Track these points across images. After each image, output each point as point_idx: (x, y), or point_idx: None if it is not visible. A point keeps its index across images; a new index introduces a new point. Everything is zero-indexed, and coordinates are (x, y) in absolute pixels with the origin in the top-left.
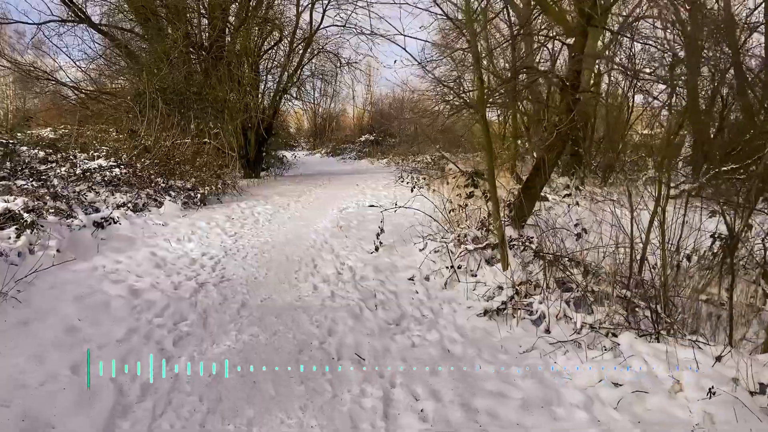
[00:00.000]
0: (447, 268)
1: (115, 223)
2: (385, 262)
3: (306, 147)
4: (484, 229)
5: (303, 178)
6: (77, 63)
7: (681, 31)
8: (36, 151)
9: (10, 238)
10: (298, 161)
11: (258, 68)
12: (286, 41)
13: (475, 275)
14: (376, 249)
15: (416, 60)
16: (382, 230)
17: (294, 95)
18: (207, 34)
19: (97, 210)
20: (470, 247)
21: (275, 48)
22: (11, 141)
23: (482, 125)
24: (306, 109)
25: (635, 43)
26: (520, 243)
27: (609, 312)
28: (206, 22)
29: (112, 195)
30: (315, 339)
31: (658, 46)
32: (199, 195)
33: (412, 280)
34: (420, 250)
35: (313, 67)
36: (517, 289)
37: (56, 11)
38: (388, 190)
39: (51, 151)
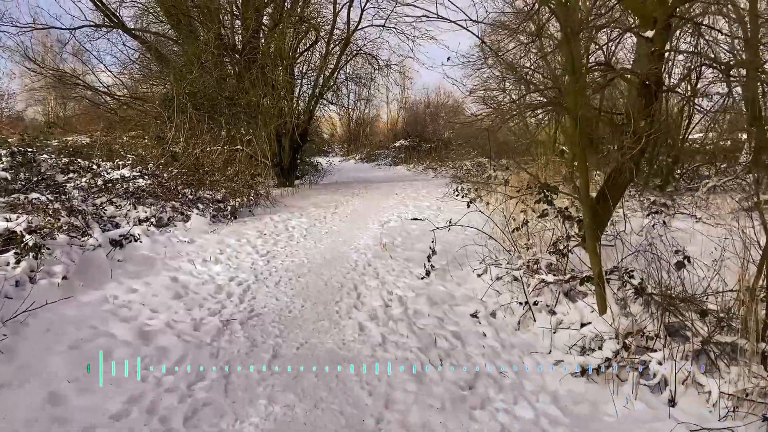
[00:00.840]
0: (519, 303)
1: (135, 240)
2: (440, 291)
3: (340, 153)
4: (559, 254)
5: (338, 187)
6: (108, 68)
7: (742, 28)
8: (57, 159)
9: (8, 264)
10: (332, 168)
11: (293, 71)
12: (322, 42)
13: (554, 313)
14: (427, 274)
15: (490, 48)
16: (433, 251)
17: (330, 99)
18: (240, 36)
19: (117, 226)
20: (549, 278)
21: (311, 50)
22: (29, 149)
23: (573, 127)
24: (341, 114)
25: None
26: (617, 276)
27: (757, 381)
28: (239, 23)
29: (135, 208)
30: (368, 415)
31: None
32: (229, 207)
33: (476, 317)
34: (478, 276)
35: (350, 70)
36: (625, 343)
37: (90, 16)
38: (431, 201)
39: (71, 159)
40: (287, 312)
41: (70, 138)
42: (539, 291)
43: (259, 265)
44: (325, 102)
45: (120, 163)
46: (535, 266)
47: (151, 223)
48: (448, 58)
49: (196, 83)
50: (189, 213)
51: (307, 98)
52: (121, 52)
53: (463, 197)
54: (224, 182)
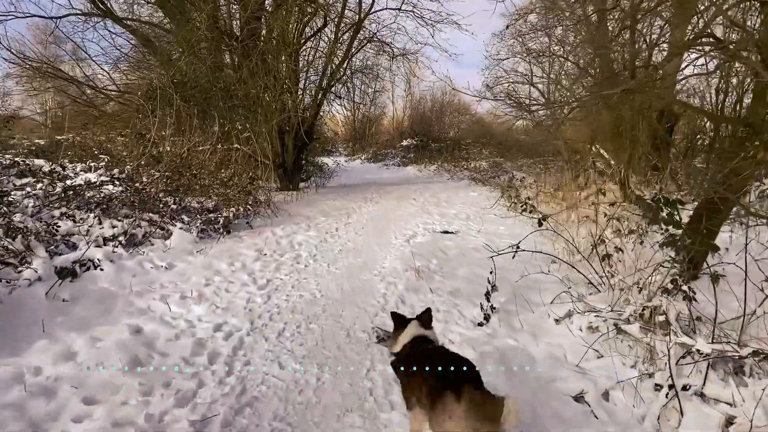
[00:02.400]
0: (657, 387)
1: (95, 268)
2: (511, 347)
3: (344, 153)
4: (681, 294)
5: (348, 190)
6: (93, 58)
7: None
8: (17, 160)
9: None
10: (339, 169)
11: (297, 60)
12: (332, 25)
13: (703, 397)
14: (486, 318)
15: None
16: (494, 287)
17: (338, 93)
18: (238, 19)
19: (73, 247)
20: (703, 347)
21: (318, 35)
22: None
23: None
24: (348, 110)
25: None
26: None
27: None
28: (236, 7)
29: (100, 223)
30: None
31: None
32: (221, 219)
33: (585, 402)
34: (557, 322)
35: (360, 61)
36: None
37: (76, 4)
38: (457, 208)
39: (15, 161)
40: (297, 393)
41: (61, 137)
42: (678, 361)
43: (256, 302)
44: (333, 95)
45: (93, 164)
46: (660, 317)
47: (120, 242)
48: (507, 26)
49: (186, 71)
50: (170, 228)
51: (313, 90)
52: (107, 42)
53: (530, 212)
54: (217, 187)
